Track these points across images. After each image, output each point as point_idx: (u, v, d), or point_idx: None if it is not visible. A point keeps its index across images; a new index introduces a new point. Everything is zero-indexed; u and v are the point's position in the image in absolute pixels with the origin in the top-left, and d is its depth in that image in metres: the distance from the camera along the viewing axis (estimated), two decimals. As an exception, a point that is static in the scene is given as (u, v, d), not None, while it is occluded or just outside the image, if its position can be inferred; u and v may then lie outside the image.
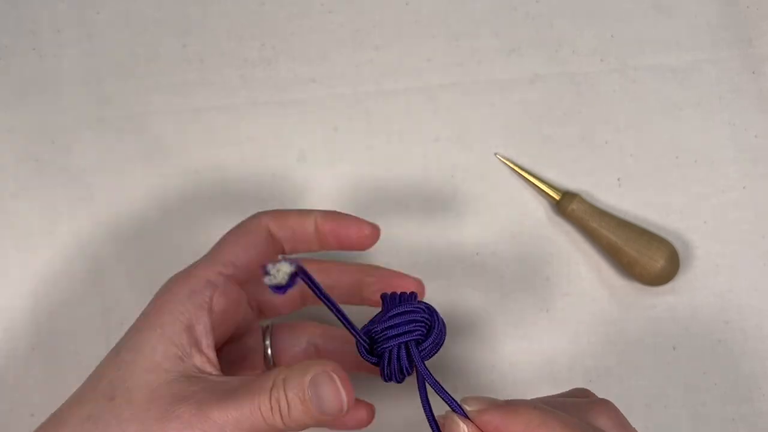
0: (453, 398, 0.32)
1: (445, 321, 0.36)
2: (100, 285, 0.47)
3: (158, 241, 0.47)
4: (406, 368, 0.35)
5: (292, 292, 0.36)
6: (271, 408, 0.32)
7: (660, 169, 0.49)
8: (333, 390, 0.32)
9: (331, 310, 0.33)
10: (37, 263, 0.47)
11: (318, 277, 0.32)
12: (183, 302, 0.34)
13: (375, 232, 0.38)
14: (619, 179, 0.49)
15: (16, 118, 0.49)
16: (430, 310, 0.35)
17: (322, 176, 0.49)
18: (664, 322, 0.47)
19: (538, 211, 0.48)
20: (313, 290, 0.32)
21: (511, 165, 0.49)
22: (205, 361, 0.34)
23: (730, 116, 0.49)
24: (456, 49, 0.50)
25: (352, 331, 0.34)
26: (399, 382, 0.36)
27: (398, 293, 0.36)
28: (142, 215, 0.48)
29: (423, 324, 0.35)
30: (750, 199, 0.49)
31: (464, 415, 0.32)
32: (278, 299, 0.40)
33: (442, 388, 0.33)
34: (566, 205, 0.47)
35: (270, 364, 0.41)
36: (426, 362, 0.34)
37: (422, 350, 0.35)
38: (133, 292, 0.47)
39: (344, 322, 0.34)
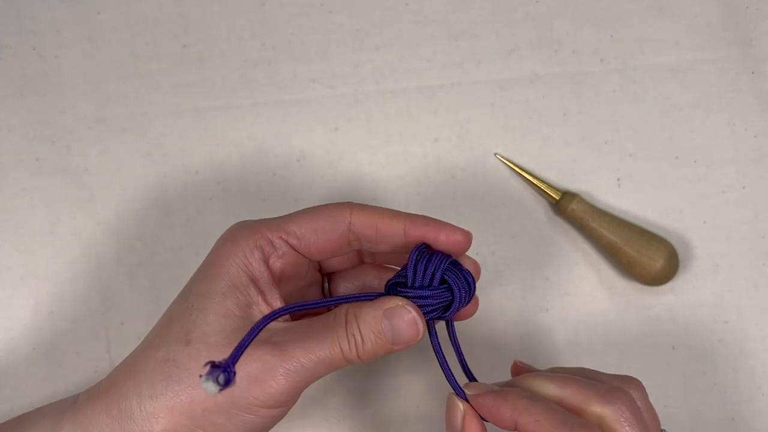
0: (457, 383, 0.37)
1: (472, 280, 0.37)
2: (100, 285, 0.47)
3: (158, 241, 0.47)
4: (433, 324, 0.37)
5: (349, 257, 0.40)
6: (348, 343, 0.34)
7: (660, 169, 0.49)
8: (410, 322, 0.35)
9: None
10: (37, 263, 0.47)
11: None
12: (246, 255, 0.35)
13: (468, 238, 0.37)
14: (618, 179, 0.49)
15: (16, 118, 0.49)
16: (450, 287, 0.36)
17: (322, 176, 0.49)
18: (664, 321, 0.48)
19: (538, 211, 0.48)
20: (306, 309, 0.35)
21: (511, 165, 0.49)
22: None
23: (729, 116, 0.49)
24: (456, 49, 0.50)
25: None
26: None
27: (424, 260, 0.36)
28: (142, 215, 0.48)
29: (440, 303, 0.36)
30: (750, 199, 0.49)
31: (464, 398, 0.36)
32: (336, 262, 0.41)
33: (450, 372, 0.37)
34: (566, 205, 0.47)
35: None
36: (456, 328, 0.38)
37: (442, 317, 0.37)
38: (133, 292, 0.47)
39: None
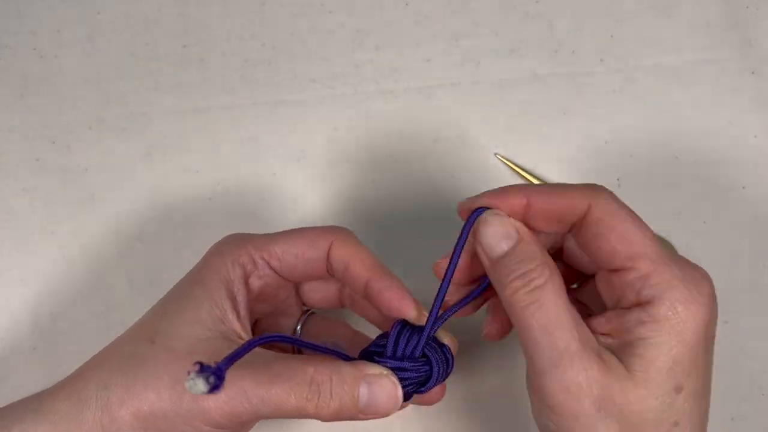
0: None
1: (451, 356, 0.36)
2: (101, 285, 0.47)
3: (158, 241, 0.47)
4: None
5: (330, 290, 0.39)
6: (309, 394, 0.32)
7: (660, 169, 0.49)
8: (391, 395, 0.33)
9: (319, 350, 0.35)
10: (37, 263, 0.47)
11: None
12: (229, 270, 0.36)
13: (418, 318, 0.35)
14: (618, 179, 0.49)
15: (16, 118, 0.49)
16: (430, 360, 0.35)
17: (322, 176, 0.49)
18: (664, 322, 0.47)
19: (538, 211, 0.48)
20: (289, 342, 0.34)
21: (511, 165, 0.49)
22: (241, 328, 0.35)
23: (729, 116, 0.49)
24: (456, 49, 0.50)
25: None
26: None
27: (406, 334, 0.35)
28: (142, 215, 0.48)
29: (417, 377, 0.35)
30: (750, 199, 0.49)
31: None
32: (317, 295, 0.40)
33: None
34: (566, 205, 0.47)
35: (296, 351, 0.41)
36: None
37: (418, 392, 0.36)
38: (133, 292, 0.47)
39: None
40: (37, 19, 0.49)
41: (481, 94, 0.49)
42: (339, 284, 0.40)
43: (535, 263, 0.31)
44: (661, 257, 0.31)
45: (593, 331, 0.32)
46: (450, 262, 0.34)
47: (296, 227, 0.39)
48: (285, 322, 0.41)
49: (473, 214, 0.34)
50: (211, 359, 0.32)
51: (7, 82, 0.49)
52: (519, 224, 0.33)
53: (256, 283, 0.37)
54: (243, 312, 0.36)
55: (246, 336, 0.35)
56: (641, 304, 0.30)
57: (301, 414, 0.33)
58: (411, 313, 0.35)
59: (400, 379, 0.34)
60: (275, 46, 0.50)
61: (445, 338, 0.37)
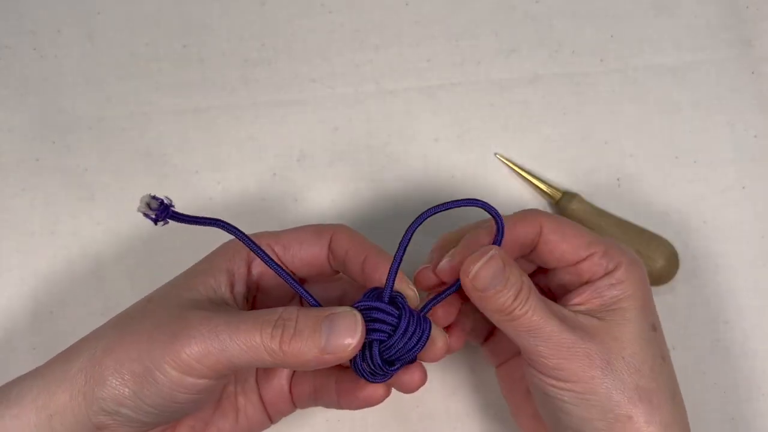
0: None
1: (427, 323, 0.35)
2: (100, 285, 0.47)
3: (158, 241, 0.47)
4: (378, 363, 0.35)
5: (333, 295, 0.40)
6: (273, 330, 0.33)
7: (660, 169, 0.49)
8: (350, 321, 0.34)
9: (274, 269, 0.36)
10: (37, 263, 0.47)
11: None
12: (235, 251, 0.38)
13: (402, 281, 0.37)
14: (618, 179, 0.49)
15: (16, 118, 0.49)
16: (400, 307, 0.35)
17: (322, 176, 0.49)
18: (664, 321, 0.47)
19: (538, 211, 0.48)
20: (245, 243, 0.35)
21: (511, 165, 0.49)
22: (231, 299, 0.37)
23: (729, 116, 0.49)
24: (456, 49, 0.50)
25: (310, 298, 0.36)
26: (371, 377, 0.36)
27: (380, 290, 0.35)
28: (142, 215, 0.48)
29: (386, 321, 0.35)
30: (750, 199, 0.49)
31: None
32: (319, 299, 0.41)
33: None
34: (566, 205, 0.47)
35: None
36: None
37: (388, 349, 0.35)
38: (133, 292, 0.47)
39: (298, 288, 0.36)
40: (37, 19, 0.50)
41: (481, 94, 0.49)
42: (342, 289, 0.41)
43: (520, 282, 0.35)
44: (604, 239, 0.38)
45: (569, 306, 0.37)
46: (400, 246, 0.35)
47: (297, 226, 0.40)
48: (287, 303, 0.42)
49: (465, 202, 0.37)
50: (190, 309, 0.34)
51: (7, 82, 0.49)
52: (501, 252, 0.36)
53: (257, 269, 0.38)
54: (239, 288, 0.38)
55: (235, 306, 0.37)
56: (609, 272, 0.37)
57: (267, 352, 0.33)
58: (400, 283, 0.36)
59: (369, 320, 0.34)
60: (275, 46, 0.50)
61: (406, 288, 0.37)
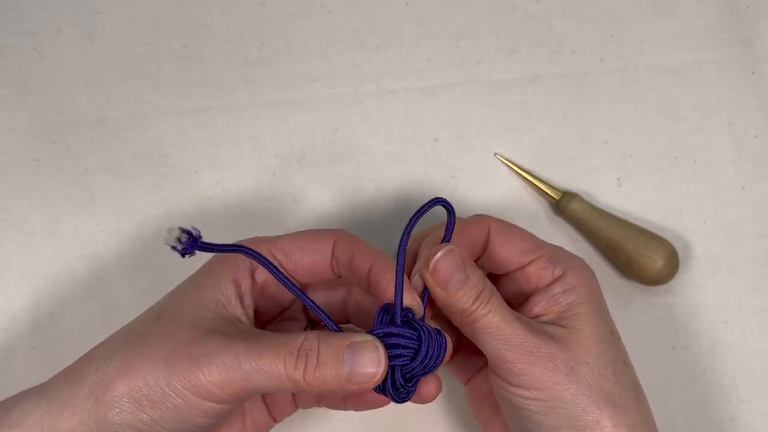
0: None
1: (443, 337, 0.36)
2: (101, 285, 0.47)
3: (158, 241, 0.47)
4: (401, 384, 0.35)
5: (336, 299, 0.41)
6: (297, 360, 0.33)
7: (660, 169, 0.49)
8: (374, 356, 0.34)
9: (298, 297, 0.35)
10: (37, 263, 0.47)
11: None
12: (237, 262, 0.37)
13: (417, 310, 0.36)
14: (618, 179, 0.49)
15: (16, 118, 0.49)
16: (418, 330, 0.35)
17: (323, 176, 0.49)
18: (664, 321, 0.48)
19: (538, 211, 0.48)
20: (274, 274, 0.34)
21: (511, 165, 0.49)
22: (243, 314, 0.36)
23: (729, 116, 0.49)
24: (456, 49, 0.50)
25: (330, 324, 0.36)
26: (400, 400, 0.36)
27: (394, 311, 0.35)
28: (142, 215, 0.48)
29: (406, 347, 0.35)
30: (750, 199, 0.49)
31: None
32: (322, 302, 0.40)
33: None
34: (566, 205, 0.47)
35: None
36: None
37: (411, 371, 0.35)
38: (133, 292, 0.47)
39: (320, 314, 0.35)
40: (37, 19, 0.49)
41: (481, 94, 0.49)
42: (344, 292, 0.41)
43: (483, 283, 0.36)
44: (551, 246, 0.39)
45: (532, 318, 0.37)
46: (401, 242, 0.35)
47: (297, 229, 0.40)
48: (292, 327, 0.41)
49: (430, 203, 0.36)
50: (207, 333, 0.33)
51: (7, 82, 0.49)
52: (460, 250, 0.36)
53: (261, 276, 0.38)
54: (247, 300, 0.37)
55: (247, 321, 0.36)
56: (557, 278, 0.38)
57: (291, 382, 0.33)
58: (405, 296, 0.36)
59: (389, 347, 0.34)
60: (275, 46, 0.50)
61: (411, 300, 0.37)
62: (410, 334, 0.35)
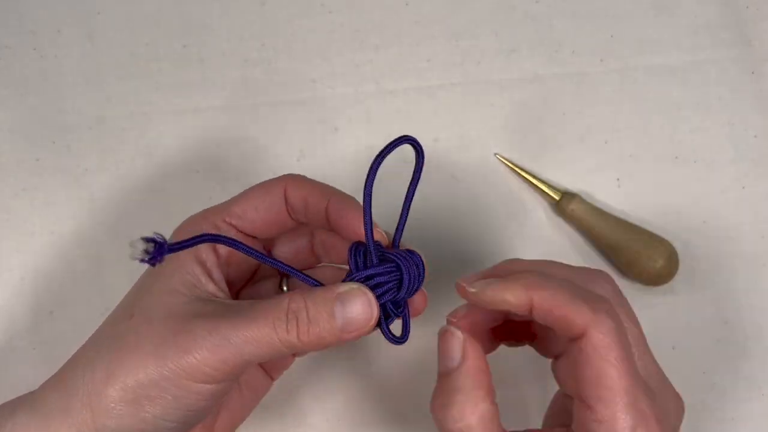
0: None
1: (418, 256, 0.36)
2: (101, 284, 0.47)
3: (158, 241, 0.47)
4: (393, 313, 0.35)
5: (301, 244, 0.40)
6: (288, 323, 0.32)
7: (659, 169, 0.49)
8: (364, 302, 0.33)
9: (277, 266, 0.35)
10: (37, 263, 0.47)
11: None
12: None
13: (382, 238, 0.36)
14: (618, 179, 0.49)
15: (16, 118, 0.49)
16: (397, 263, 0.35)
17: (323, 176, 0.48)
18: (664, 321, 0.48)
19: (538, 211, 0.48)
20: (242, 250, 0.33)
21: (511, 165, 0.49)
22: (217, 289, 0.36)
23: (729, 116, 0.49)
24: (456, 49, 0.50)
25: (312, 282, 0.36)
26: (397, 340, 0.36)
27: (361, 249, 0.36)
28: (142, 215, 0.48)
29: (390, 282, 0.35)
30: (750, 199, 0.49)
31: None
32: (289, 251, 0.41)
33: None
34: (566, 205, 0.47)
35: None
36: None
37: (400, 300, 0.36)
38: (133, 292, 0.47)
39: (301, 277, 0.35)
40: (37, 19, 0.49)
41: (481, 94, 0.49)
42: (308, 236, 0.41)
43: (472, 393, 0.33)
44: (627, 409, 0.32)
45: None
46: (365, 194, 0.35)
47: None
48: (267, 287, 0.41)
49: (396, 141, 0.35)
50: (189, 319, 0.33)
51: (7, 82, 0.49)
52: (470, 347, 0.34)
53: (223, 246, 0.37)
54: (216, 275, 0.36)
55: (223, 295, 0.36)
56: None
57: (285, 346, 0.33)
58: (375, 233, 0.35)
59: (374, 287, 0.34)
60: (275, 46, 0.50)
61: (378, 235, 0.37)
62: (390, 268, 0.35)
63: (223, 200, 0.48)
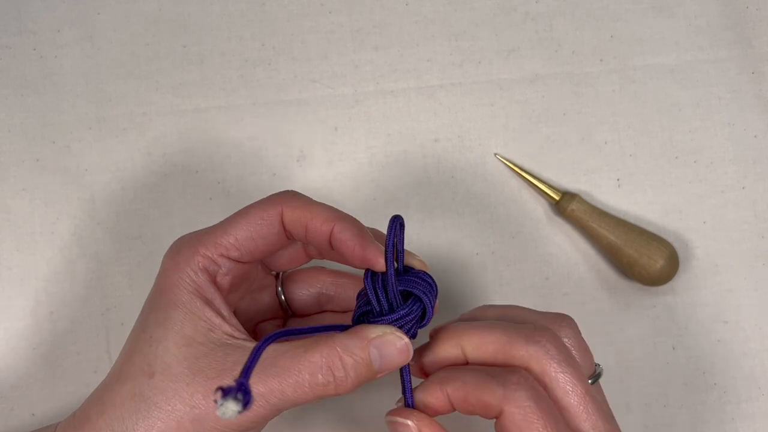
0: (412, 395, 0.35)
1: (430, 278, 0.36)
2: (100, 285, 0.47)
3: (158, 241, 0.47)
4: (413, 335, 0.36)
5: (296, 250, 0.40)
6: (324, 378, 0.33)
7: (659, 169, 0.49)
8: (402, 349, 0.34)
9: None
10: (37, 263, 0.47)
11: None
12: (194, 279, 0.35)
13: (378, 258, 0.35)
14: (618, 179, 0.49)
15: (16, 118, 0.49)
16: (418, 296, 0.35)
17: (322, 176, 0.49)
18: (664, 321, 0.48)
19: (538, 211, 0.48)
20: (295, 335, 0.33)
21: (511, 165, 0.49)
22: (232, 329, 0.35)
23: (729, 116, 0.49)
24: (456, 49, 0.50)
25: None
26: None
27: (379, 282, 0.35)
28: (142, 215, 0.48)
29: (415, 316, 0.35)
30: (750, 199, 0.49)
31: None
32: (284, 259, 0.40)
33: (410, 384, 0.36)
34: (566, 205, 0.47)
35: (288, 313, 0.42)
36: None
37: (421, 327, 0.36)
38: (133, 292, 0.47)
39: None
40: (37, 19, 0.49)
41: (481, 94, 0.49)
42: (318, 287, 0.41)
43: None
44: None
45: None
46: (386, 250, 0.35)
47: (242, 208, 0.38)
48: (263, 296, 0.41)
49: (392, 224, 0.35)
50: (216, 377, 0.32)
51: (7, 82, 0.49)
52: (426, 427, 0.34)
53: (224, 280, 0.36)
54: (225, 312, 0.35)
55: (239, 334, 0.35)
56: None
57: (323, 396, 0.33)
58: (377, 261, 0.35)
59: (401, 326, 0.35)
60: (275, 46, 0.50)
61: (414, 261, 0.37)
62: (416, 307, 0.35)
63: (223, 200, 0.48)
